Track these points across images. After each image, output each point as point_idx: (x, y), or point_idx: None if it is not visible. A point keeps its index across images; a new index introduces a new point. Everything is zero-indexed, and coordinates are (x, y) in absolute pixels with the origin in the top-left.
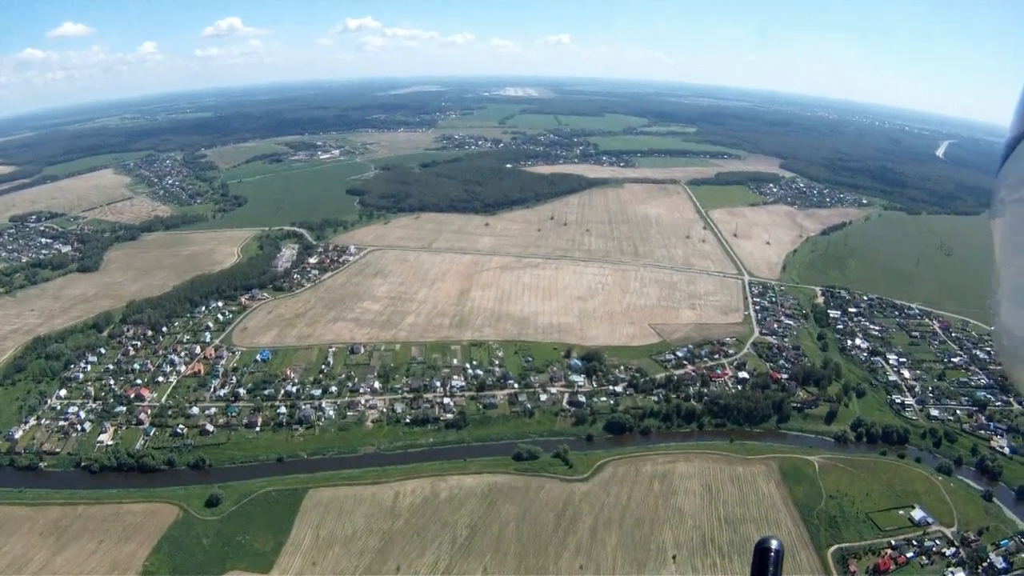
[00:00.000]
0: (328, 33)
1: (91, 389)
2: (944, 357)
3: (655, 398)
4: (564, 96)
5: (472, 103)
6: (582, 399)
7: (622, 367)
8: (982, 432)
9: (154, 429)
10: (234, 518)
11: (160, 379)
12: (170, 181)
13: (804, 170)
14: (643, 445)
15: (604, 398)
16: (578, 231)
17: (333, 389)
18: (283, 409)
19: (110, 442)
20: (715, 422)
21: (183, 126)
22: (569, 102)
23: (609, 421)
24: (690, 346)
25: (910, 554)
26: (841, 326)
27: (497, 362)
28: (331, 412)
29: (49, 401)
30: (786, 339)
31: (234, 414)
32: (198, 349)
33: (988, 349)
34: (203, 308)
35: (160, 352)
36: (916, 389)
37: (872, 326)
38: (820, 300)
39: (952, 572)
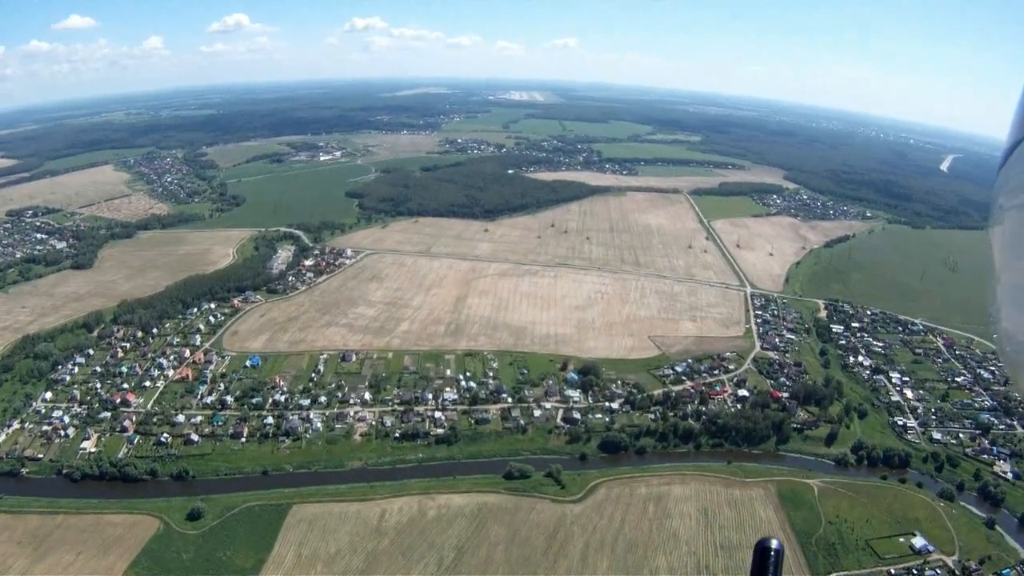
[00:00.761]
0: (335, 32)
1: (77, 393)
2: (948, 376)
3: (652, 416)
4: (569, 101)
5: (477, 106)
6: (577, 416)
7: (619, 382)
8: (985, 457)
9: (138, 437)
10: (216, 533)
11: (147, 383)
12: (169, 179)
13: (808, 181)
14: (638, 465)
15: (600, 415)
16: (579, 239)
17: (322, 399)
18: (270, 419)
19: (93, 449)
20: (713, 442)
21: (187, 123)
22: (574, 108)
23: (604, 439)
24: (689, 360)
25: None
26: (844, 341)
27: (491, 374)
28: (319, 424)
29: (34, 404)
30: (788, 354)
31: (220, 423)
32: (187, 353)
33: (992, 368)
34: (195, 310)
35: (149, 355)
36: (919, 410)
37: (875, 342)
38: (823, 314)
39: None
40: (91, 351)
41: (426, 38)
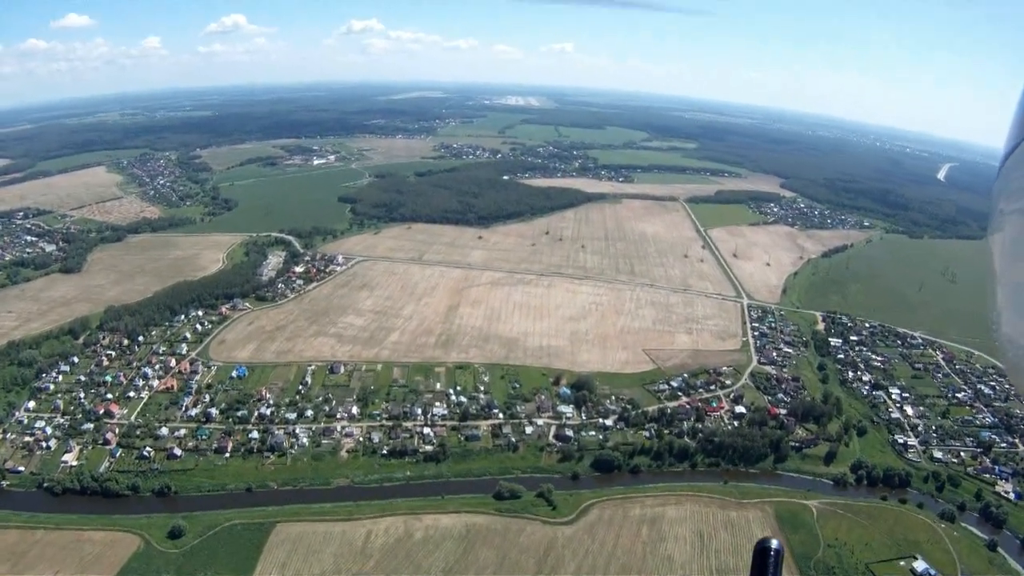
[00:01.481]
0: (333, 34)
1: (60, 402)
2: (948, 392)
3: (646, 433)
4: (565, 107)
5: (473, 111)
6: (570, 433)
7: (613, 397)
8: (987, 476)
9: (120, 450)
10: (197, 552)
11: (132, 394)
12: (162, 181)
13: (805, 190)
14: (632, 485)
15: (593, 432)
16: (573, 247)
17: (309, 413)
18: (255, 434)
19: (75, 462)
20: (709, 461)
21: (182, 124)
22: (570, 113)
23: (597, 458)
24: (685, 375)
25: None
26: (842, 355)
27: (482, 388)
28: (305, 439)
29: (17, 413)
30: (785, 369)
31: (204, 437)
32: (173, 362)
33: (993, 384)
34: (182, 317)
35: (134, 364)
36: (919, 428)
37: (874, 356)
38: (821, 327)
39: None
40: (76, 359)
41: (424, 41)
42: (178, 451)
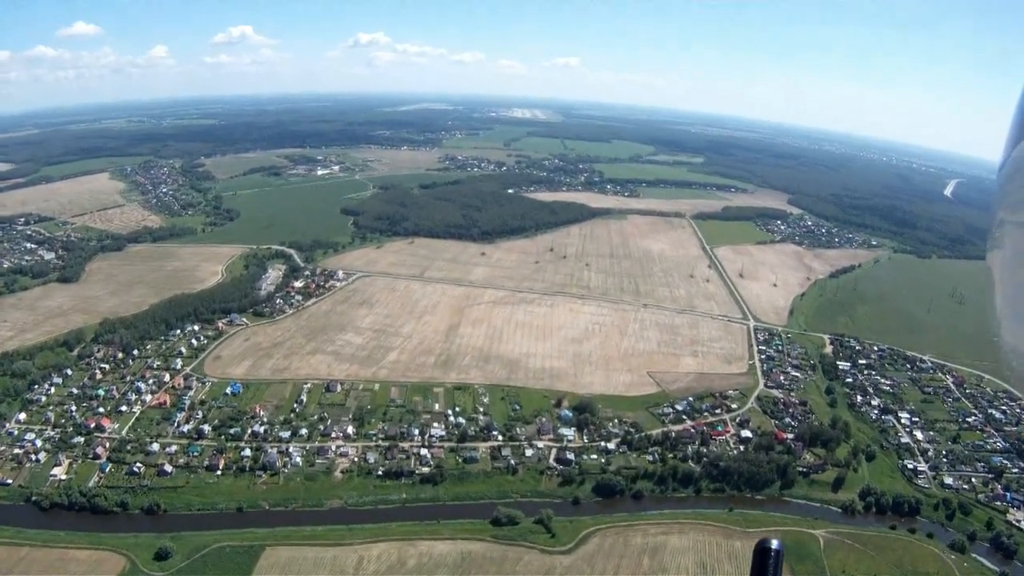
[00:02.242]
0: (339, 46)
1: (51, 415)
2: (959, 416)
3: (650, 457)
4: (571, 120)
5: (479, 123)
6: (571, 456)
7: (616, 420)
8: (998, 504)
9: (110, 465)
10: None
11: (124, 408)
12: (164, 190)
13: (812, 207)
14: (634, 511)
15: (595, 456)
16: (577, 265)
17: (303, 432)
18: (248, 452)
19: (64, 476)
20: (714, 487)
21: (186, 133)
22: (576, 126)
23: (599, 483)
24: (690, 398)
25: None
26: (851, 379)
27: (482, 409)
28: (298, 458)
29: (7, 425)
30: (793, 393)
31: (196, 454)
32: (167, 377)
33: (1004, 408)
34: (178, 331)
35: (127, 378)
36: (929, 453)
37: (883, 380)
38: (828, 350)
39: None
40: (69, 371)
41: (429, 54)
42: (169, 467)
